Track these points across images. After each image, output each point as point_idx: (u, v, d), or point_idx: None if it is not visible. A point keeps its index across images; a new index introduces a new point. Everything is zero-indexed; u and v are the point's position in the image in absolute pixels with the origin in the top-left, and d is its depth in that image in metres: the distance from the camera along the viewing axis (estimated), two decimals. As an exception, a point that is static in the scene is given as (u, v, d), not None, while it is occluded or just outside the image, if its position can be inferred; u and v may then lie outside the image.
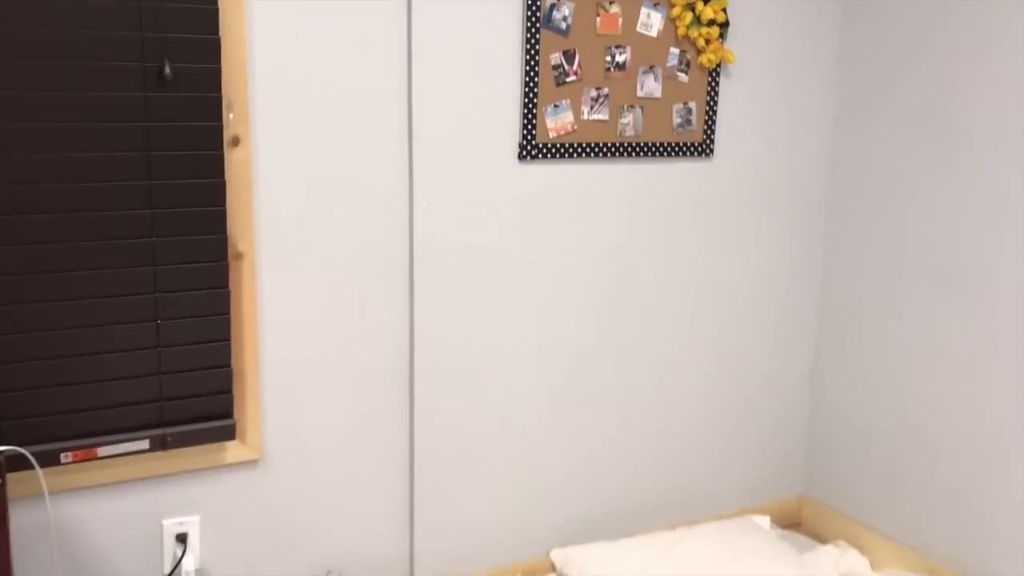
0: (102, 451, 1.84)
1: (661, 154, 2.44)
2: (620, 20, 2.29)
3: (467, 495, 2.37)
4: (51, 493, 1.84)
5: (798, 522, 2.90)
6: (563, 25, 2.22)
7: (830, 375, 2.79)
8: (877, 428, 2.65)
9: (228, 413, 1.98)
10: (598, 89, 2.30)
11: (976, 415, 2.38)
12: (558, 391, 2.44)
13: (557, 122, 2.27)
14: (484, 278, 2.28)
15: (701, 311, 2.62)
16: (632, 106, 2.36)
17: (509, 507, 2.44)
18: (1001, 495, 2.33)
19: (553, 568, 2.47)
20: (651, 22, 2.34)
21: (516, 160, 2.26)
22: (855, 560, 2.58)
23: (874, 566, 2.60)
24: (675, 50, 2.39)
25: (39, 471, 1.75)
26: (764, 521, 2.72)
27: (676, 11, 2.35)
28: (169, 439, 1.91)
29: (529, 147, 2.24)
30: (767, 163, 2.63)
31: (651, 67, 2.36)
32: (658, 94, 2.39)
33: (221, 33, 1.85)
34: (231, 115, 1.91)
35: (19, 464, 1.73)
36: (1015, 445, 2.29)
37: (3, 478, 1.59)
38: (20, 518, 1.84)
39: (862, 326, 2.68)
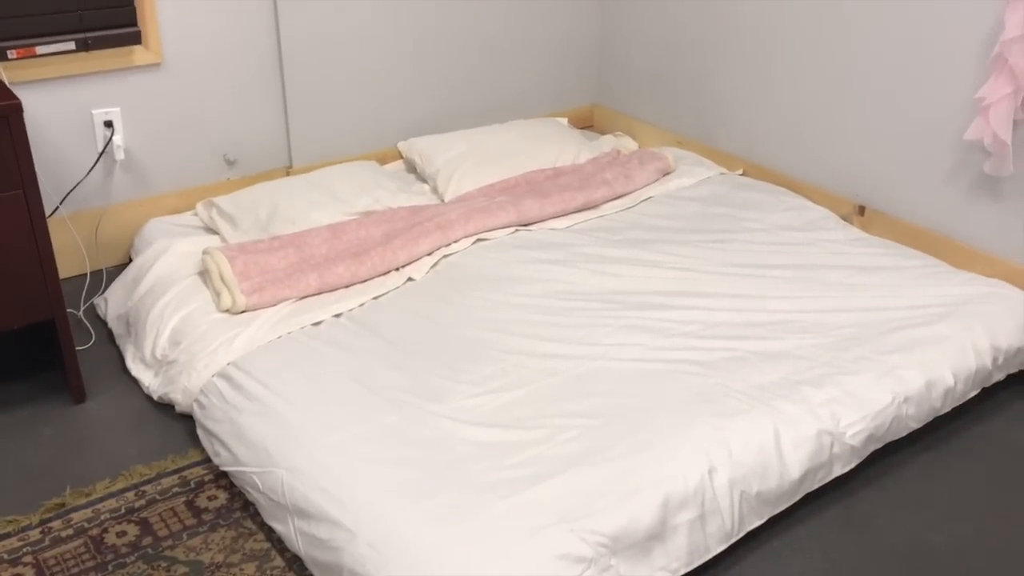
0: (40, 50, 2.40)
1: None
2: None
3: (329, 99, 3.03)
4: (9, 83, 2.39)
5: (591, 124, 3.74)
6: None
7: (616, 8, 3.50)
8: (650, 45, 3.42)
9: (133, 22, 2.54)
10: None
11: (726, 29, 3.16)
12: (398, 17, 3.06)
13: None
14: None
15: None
16: None
17: (363, 109, 3.13)
18: (729, 85, 3.17)
19: (400, 155, 3.22)
20: None
21: None
22: (627, 141, 3.44)
23: (641, 146, 3.47)
24: None
25: (-4, 62, 2.31)
26: (563, 121, 3.52)
27: None
28: (90, 41, 2.46)
29: None
30: None
31: None
32: None
33: None
34: None
35: (-22, 56, 2.28)
36: (742, 49, 3.10)
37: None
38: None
39: (639, -41, 3.36)
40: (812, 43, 2.88)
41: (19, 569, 1.73)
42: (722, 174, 3.12)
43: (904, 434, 2.07)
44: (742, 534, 1.81)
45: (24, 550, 1.78)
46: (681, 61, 3.32)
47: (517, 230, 2.71)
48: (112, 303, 2.52)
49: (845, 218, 2.83)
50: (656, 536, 1.70)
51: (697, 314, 2.31)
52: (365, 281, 2.46)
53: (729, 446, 1.83)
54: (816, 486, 1.93)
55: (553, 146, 3.21)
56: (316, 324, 2.26)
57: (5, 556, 1.76)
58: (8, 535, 1.81)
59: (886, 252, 2.61)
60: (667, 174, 3.11)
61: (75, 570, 1.73)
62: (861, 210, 2.85)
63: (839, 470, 1.96)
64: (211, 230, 2.69)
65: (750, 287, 2.43)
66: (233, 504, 1.91)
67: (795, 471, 1.88)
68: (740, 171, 3.17)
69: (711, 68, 3.22)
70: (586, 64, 3.63)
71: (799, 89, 2.96)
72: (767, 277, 2.48)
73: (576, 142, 3.28)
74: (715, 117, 3.26)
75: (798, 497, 1.90)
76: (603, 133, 3.61)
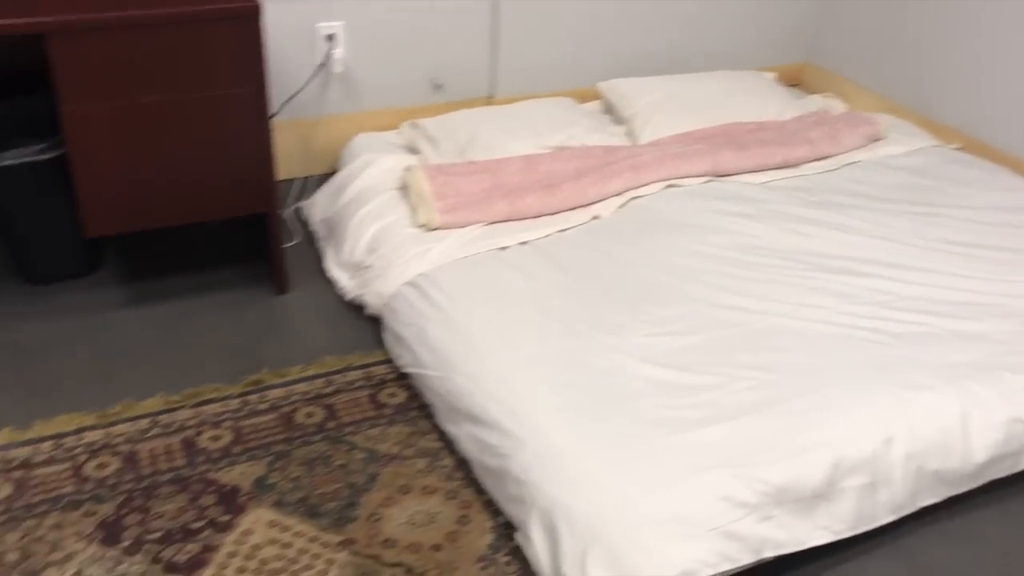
0: (278, -39, 2.55)
1: None
2: None
3: (536, 34, 3.07)
4: None
5: (799, 83, 3.60)
6: None
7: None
8: (871, 3, 3.25)
9: (364, -59, 2.65)
10: None
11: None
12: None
13: None
14: None
15: None
16: None
17: (568, 47, 3.15)
18: (954, 51, 2.98)
19: (599, 96, 3.22)
20: None
21: None
22: (836, 104, 3.30)
23: (851, 110, 3.32)
24: None
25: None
26: (770, 76, 3.41)
27: None
28: (324, -43, 2.59)
29: None
30: None
31: None
32: None
33: None
34: None
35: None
36: (970, 13, 2.90)
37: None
38: None
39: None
40: (1059, 12, 2.66)
41: (219, 431, 1.91)
42: (936, 146, 2.95)
43: (1111, 438, 1.93)
44: (914, 509, 1.76)
45: (225, 416, 1.96)
46: (904, 22, 3.14)
47: (711, 180, 2.67)
48: (318, 207, 2.68)
49: (1070, 205, 2.62)
50: (822, 495, 1.67)
51: (891, 285, 2.21)
52: (553, 214, 2.50)
53: (911, 418, 1.77)
54: (1001, 475, 1.83)
55: (757, 100, 3.13)
56: (503, 249, 2.32)
57: (210, 419, 1.95)
58: (212, 401, 2.00)
59: (1114, 245, 2.41)
60: (876, 140, 2.97)
61: (267, 440, 1.89)
62: (1090, 198, 2.63)
63: (1030, 463, 1.86)
64: (412, 149, 2.80)
65: (952, 264, 2.30)
66: (411, 404, 2.02)
67: (980, 455, 1.79)
68: (957, 145, 2.98)
69: (936, 32, 3.03)
70: (801, 18, 3.50)
71: (1036, 62, 2.75)
72: (972, 256, 2.34)
73: (782, 99, 3.18)
74: (935, 85, 3.07)
75: (980, 483, 1.82)
76: (811, 93, 3.48)
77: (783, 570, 1.66)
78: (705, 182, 2.66)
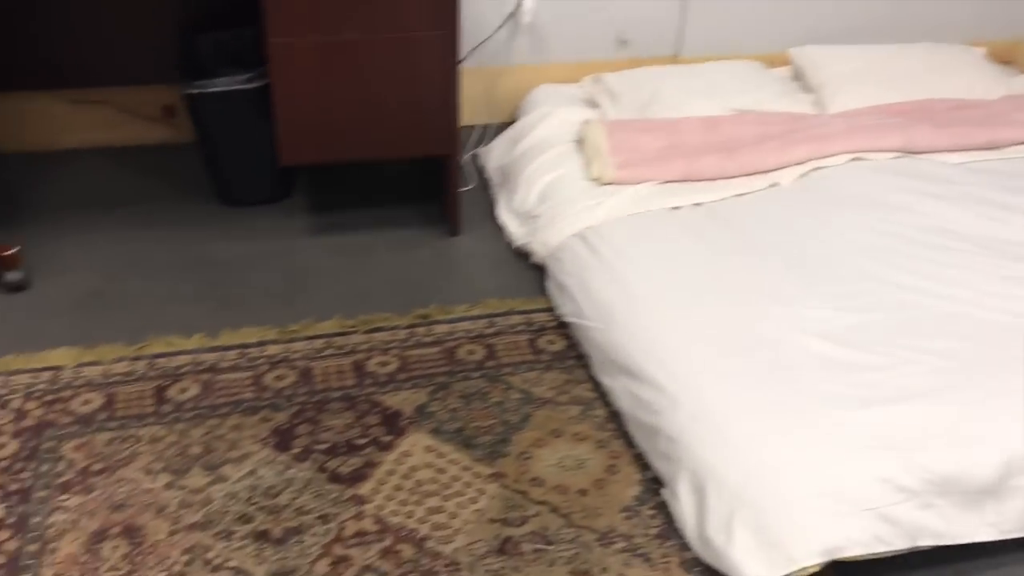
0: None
1: None
2: None
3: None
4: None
5: (1012, 60, 3.34)
6: None
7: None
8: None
9: None
10: None
11: None
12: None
13: None
14: None
15: None
16: None
17: (761, 9, 3.05)
18: None
19: (789, 62, 3.11)
20: None
21: None
22: (1052, 85, 3.06)
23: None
24: None
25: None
26: (979, 51, 3.19)
27: None
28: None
29: None
30: None
31: None
32: None
33: None
34: None
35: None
36: None
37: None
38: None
39: None
40: None
41: (387, 358, 2.01)
42: None
43: None
44: (1094, 520, 1.64)
45: (393, 344, 2.06)
46: None
47: (901, 156, 2.54)
48: (494, 154, 2.73)
49: None
50: (990, 492, 1.58)
51: (1094, 282, 2.05)
52: (730, 178, 2.45)
53: (1102, 424, 1.65)
54: None
55: (963, 77, 2.94)
56: (675, 208, 2.30)
57: (379, 345, 2.05)
58: (383, 329, 2.10)
59: None
60: (1094, 126, 2.73)
61: (430, 371, 1.98)
62: None
63: None
64: (592, 103, 2.80)
65: None
66: (569, 352, 2.05)
67: None
68: None
69: None
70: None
71: None
72: None
73: (991, 76, 2.98)
74: None
75: None
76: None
77: (938, 562, 1.60)
78: (895, 158, 2.53)
